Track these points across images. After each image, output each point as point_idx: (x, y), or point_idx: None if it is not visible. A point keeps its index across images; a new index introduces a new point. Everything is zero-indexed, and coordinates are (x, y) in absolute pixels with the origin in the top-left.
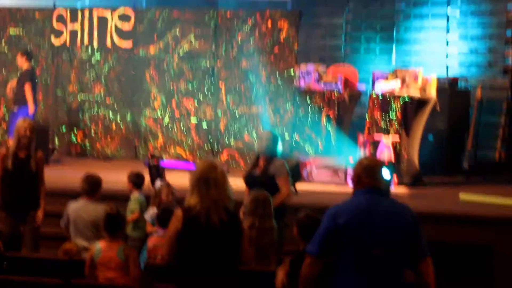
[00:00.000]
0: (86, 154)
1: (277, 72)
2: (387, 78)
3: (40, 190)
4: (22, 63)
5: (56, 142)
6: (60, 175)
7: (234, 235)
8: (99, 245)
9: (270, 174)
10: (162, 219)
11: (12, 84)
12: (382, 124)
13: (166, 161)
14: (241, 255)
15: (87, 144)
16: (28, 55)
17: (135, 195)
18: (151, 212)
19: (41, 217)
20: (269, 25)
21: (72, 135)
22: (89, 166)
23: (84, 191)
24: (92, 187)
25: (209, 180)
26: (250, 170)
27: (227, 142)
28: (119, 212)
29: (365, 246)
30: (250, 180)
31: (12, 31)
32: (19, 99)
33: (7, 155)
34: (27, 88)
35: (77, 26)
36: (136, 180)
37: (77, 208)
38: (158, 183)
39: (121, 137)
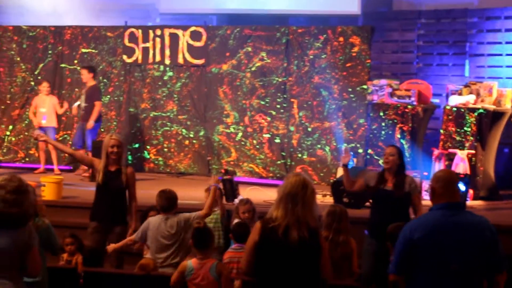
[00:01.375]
0: (159, 170)
1: (349, 87)
2: (460, 92)
3: (131, 206)
4: (89, 79)
5: (129, 158)
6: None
7: (313, 252)
8: (191, 263)
9: (405, 190)
10: (237, 234)
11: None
12: (457, 137)
13: (239, 176)
14: (321, 271)
15: (160, 160)
16: (95, 72)
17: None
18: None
19: (131, 233)
20: (341, 41)
21: (145, 152)
22: (163, 182)
23: (160, 207)
24: (168, 203)
25: (297, 196)
26: (377, 185)
27: (299, 157)
28: (207, 226)
29: (442, 261)
30: (381, 196)
31: (84, 49)
32: (90, 115)
33: (98, 170)
34: (98, 105)
35: (149, 44)
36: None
37: (155, 223)
38: (237, 198)
39: (194, 153)
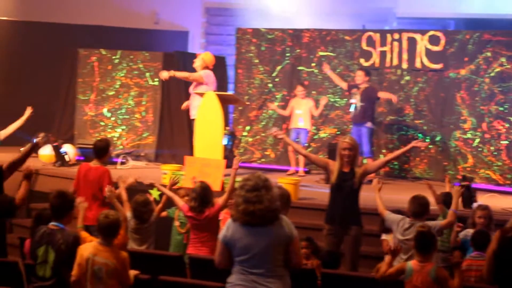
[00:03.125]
0: (394, 174)
1: None
2: None
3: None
4: (364, 81)
5: (364, 162)
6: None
7: None
8: (411, 265)
9: None
10: (477, 242)
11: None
12: None
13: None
14: None
15: (396, 164)
16: (370, 75)
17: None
18: (463, 232)
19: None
20: None
21: (381, 155)
22: (399, 187)
23: (412, 213)
24: (421, 209)
25: None
26: None
27: None
28: (430, 231)
29: None
30: None
31: (322, 53)
32: (366, 117)
33: (332, 171)
34: (375, 106)
35: (386, 48)
36: (447, 199)
37: (399, 219)
38: (474, 205)
39: (430, 158)
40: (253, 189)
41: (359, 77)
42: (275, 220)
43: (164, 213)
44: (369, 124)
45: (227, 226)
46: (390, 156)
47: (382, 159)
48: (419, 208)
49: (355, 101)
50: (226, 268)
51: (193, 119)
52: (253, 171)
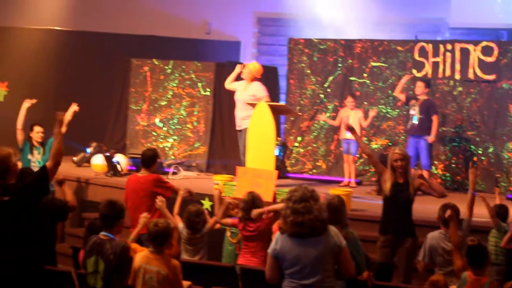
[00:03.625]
0: (446, 186)
1: None
2: None
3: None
4: (424, 93)
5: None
6: (421, 205)
7: None
8: (466, 275)
9: None
10: None
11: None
12: None
13: None
14: None
15: (448, 176)
16: (430, 87)
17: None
18: None
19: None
20: None
21: (433, 167)
22: (451, 199)
23: (443, 221)
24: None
25: None
26: None
27: None
28: (482, 244)
29: None
30: None
31: (374, 63)
32: (424, 129)
33: (386, 180)
34: (436, 119)
35: (439, 58)
36: (500, 211)
37: (434, 237)
38: None
39: (483, 170)
40: (300, 200)
41: (419, 88)
42: (324, 230)
43: (217, 225)
44: (427, 137)
45: (276, 239)
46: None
47: (440, 188)
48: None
49: (414, 113)
50: (277, 283)
51: (241, 130)
52: (304, 182)
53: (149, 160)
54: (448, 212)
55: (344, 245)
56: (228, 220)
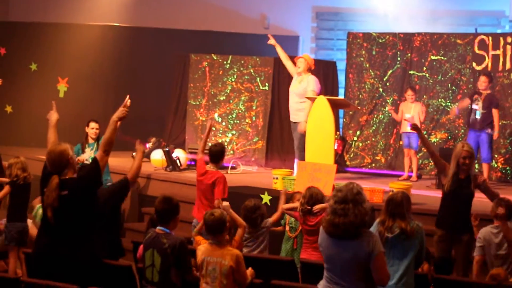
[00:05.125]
0: (506, 179)
1: None
2: None
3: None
4: (487, 87)
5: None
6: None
7: None
8: None
9: None
10: None
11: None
12: None
13: None
14: None
15: (508, 169)
16: (493, 81)
17: None
18: None
19: None
20: None
21: (493, 161)
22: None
23: (500, 217)
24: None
25: None
26: None
27: None
28: None
29: None
30: None
31: (433, 56)
32: (486, 123)
33: (447, 175)
34: (496, 113)
35: (499, 51)
36: None
37: (487, 232)
38: None
39: None
40: (341, 201)
41: (483, 82)
42: (359, 235)
43: (279, 228)
44: (489, 131)
45: (320, 232)
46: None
47: (495, 196)
48: (508, 211)
49: (477, 108)
50: None
51: (295, 122)
52: (364, 176)
53: (217, 155)
54: (501, 210)
55: (377, 253)
56: (291, 211)
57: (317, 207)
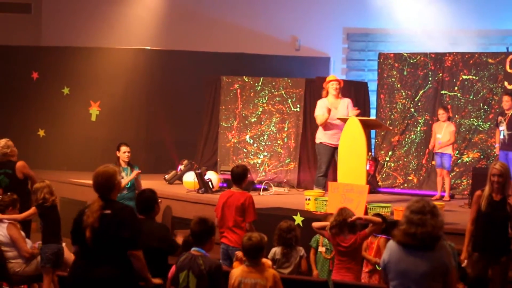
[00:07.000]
0: None
1: None
2: None
3: None
4: (510, 106)
5: None
6: None
7: None
8: None
9: None
10: None
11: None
12: None
13: None
14: None
15: None
16: None
17: None
18: None
19: None
20: None
21: None
22: None
23: None
24: None
25: None
26: None
27: None
28: None
29: None
30: None
31: (465, 76)
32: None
33: (481, 196)
34: None
35: None
36: None
37: None
38: None
39: None
40: (419, 211)
41: (506, 102)
42: (435, 247)
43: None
44: None
45: (386, 248)
46: None
47: None
48: None
49: (503, 129)
50: None
51: (319, 143)
52: (396, 196)
53: (239, 177)
54: None
55: (453, 266)
56: (322, 231)
57: (362, 217)
